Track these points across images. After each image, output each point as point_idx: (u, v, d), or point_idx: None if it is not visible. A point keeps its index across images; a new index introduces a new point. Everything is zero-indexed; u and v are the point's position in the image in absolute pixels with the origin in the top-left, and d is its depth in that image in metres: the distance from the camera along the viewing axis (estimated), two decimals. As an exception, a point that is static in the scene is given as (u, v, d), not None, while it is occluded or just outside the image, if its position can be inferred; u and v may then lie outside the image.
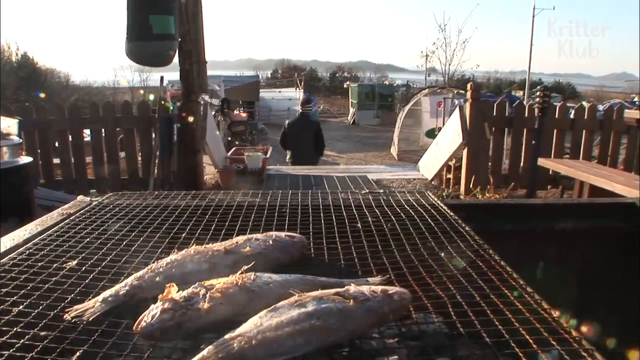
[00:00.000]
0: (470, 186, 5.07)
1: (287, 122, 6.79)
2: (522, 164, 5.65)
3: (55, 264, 0.93)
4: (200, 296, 0.70)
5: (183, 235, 1.10)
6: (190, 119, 4.74)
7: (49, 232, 1.11)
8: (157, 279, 0.81)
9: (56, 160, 5.63)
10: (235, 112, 14.22)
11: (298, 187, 4.85)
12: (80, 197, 1.45)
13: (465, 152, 5.44)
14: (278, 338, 0.62)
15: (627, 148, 5.74)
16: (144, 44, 3.75)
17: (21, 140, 4.20)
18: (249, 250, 0.90)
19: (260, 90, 20.25)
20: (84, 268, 0.92)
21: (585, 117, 5.71)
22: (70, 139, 5.59)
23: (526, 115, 5.56)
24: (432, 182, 6.26)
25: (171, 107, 5.41)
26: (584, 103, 7.75)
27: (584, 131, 5.64)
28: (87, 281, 0.86)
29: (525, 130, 5.57)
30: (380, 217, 1.21)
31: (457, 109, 5.66)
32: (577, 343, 0.64)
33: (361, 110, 20.11)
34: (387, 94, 20.91)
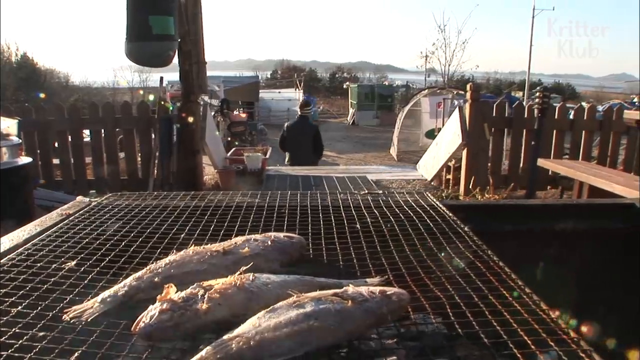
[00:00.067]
0: (470, 187, 5.07)
1: (286, 124, 6.79)
2: (521, 165, 5.66)
3: (54, 265, 0.93)
4: (199, 297, 0.70)
5: (182, 235, 1.10)
6: (190, 119, 4.74)
7: (48, 232, 1.11)
8: (156, 279, 0.81)
9: (56, 161, 5.63)
10: (235, 112, 14.21)
11: (297, 188, 4.86)
12: (79, 198, 1.45)
13: (464, 152, 5.45)
14: (276, 339, 0.62)
15: (627, 149, 5.75)
16: (144, 44, 3.75)
17: (21, 141, 4.20)
18: (247, 251, 0.90)
19: (260, 91, 20.24)
20: (82, 269, 0.92)
21: (585, 117, 5.71)
22: (69, 139, 5.60)
23: (526, 115, 5.57)
24: (432, 183, 6.26)
25: (171, 108, 5.41)
26: (584, 104, 7.75)
27: (583, 132, 5.65)
28: (85, 282, 0.86)
29: (524, 130, 5.59)
30: (379, 218, 1.21)
31: (457, 109, 5.66)
32: (575, 344, 0.64)
33: (361, 110, 20.12)
34: (386, 94, 20.93)
